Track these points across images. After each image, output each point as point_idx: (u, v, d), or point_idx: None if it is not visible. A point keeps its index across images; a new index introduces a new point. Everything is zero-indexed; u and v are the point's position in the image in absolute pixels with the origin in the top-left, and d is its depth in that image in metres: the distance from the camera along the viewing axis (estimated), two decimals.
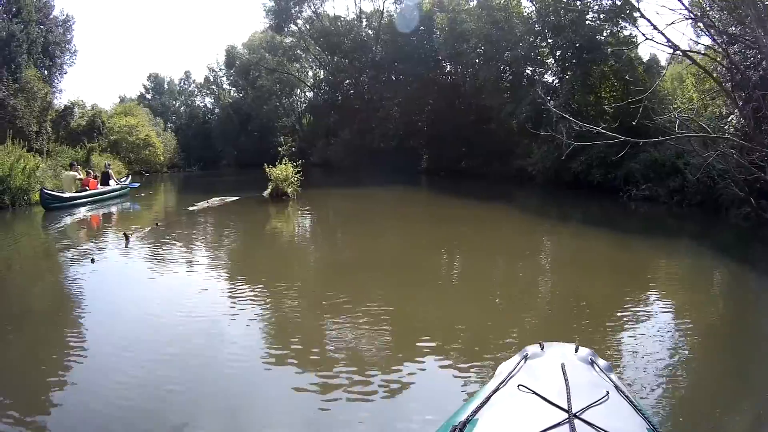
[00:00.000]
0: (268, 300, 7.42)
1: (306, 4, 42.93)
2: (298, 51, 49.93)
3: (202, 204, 18.75)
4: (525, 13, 28.39)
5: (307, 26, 45.19)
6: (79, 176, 20.82)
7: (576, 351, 2.50)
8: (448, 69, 37.74)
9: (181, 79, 66.78)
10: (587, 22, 24.73)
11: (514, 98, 27.28)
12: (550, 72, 28.20)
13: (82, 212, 18.59)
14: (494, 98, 28.63)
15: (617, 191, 19.26)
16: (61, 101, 41.19)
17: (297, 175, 19.86)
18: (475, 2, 31.13)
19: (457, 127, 33.50)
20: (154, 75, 66.17)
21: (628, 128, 10.56)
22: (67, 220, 16.86)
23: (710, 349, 5.81)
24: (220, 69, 60.34)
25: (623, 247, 11.54)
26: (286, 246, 12.73)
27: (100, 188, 21.47)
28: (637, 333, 6.00)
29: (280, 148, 21.51)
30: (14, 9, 35.26)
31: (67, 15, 42.45)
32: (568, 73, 23.76)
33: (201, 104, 65.89)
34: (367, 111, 41.36)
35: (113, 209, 19.88)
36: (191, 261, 10.26)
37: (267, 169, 19.55)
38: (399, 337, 6.00)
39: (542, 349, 2.55)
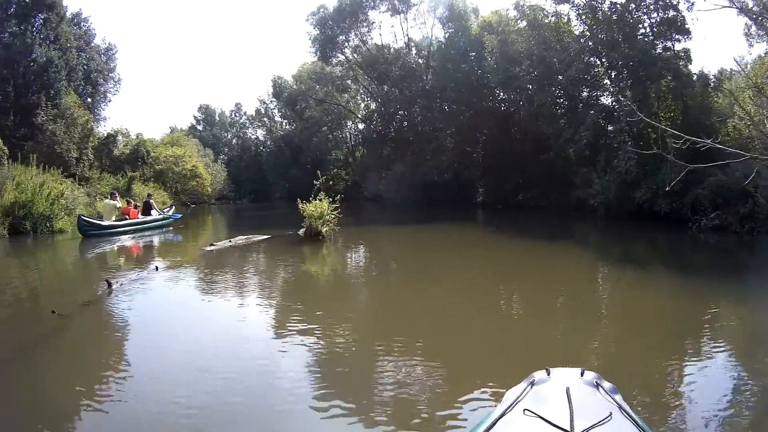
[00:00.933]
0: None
1: (353, 33, 43.11)
2: (348, 81, 50.18)
3: (223, 243, 15.98)
4: (575, 32, 27.40)
5: (355, 55, 45.43)
6: (118, 205, 20.67)
7: (582, 375, 2.59)
8: (501, 95, 36.69)
9: (232, 111, 68.04)
10: (639, 37, 23.83)
11: (571, 123, 26.26)
12: (606, 93, 26.80)
13: (122, 241, 18.23)
14: (551, 124, 27.70)
15: (685, 221, 18.02)
16: (105, 129, 42.64)
17: (334, 212, 16.72)
18: (524, 23, 30.34)
19: (513, 156, 32.55)
20: (205, 106, 67.86)
21: (691, 150, 9.06)
22: (105, 247, 16.68)
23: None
24: (271, 101, 61.39)
25: (689, 291, 9.90)
26: (306, 296, 9.98)
27: (141, 218, 21.13)
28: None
29: (316, 182, 19.76)
30: (52, 36, 36.51)
31: (109, 44, 44.60)
32: (627, 92, 22.88)
33: (252, 136, 66.50)
34: (419, 142, 40.84)
35: (155, 239, 19.49)
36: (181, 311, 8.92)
37: (300, 206, 16.56)
38: (449, 382, 5.45)
39: (548, 374, 2.62)
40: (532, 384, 2.54)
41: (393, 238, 20.64)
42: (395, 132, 45.85)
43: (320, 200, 16.61)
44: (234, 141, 66.95)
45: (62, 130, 33.75)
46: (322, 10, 42.39)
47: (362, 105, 53.77)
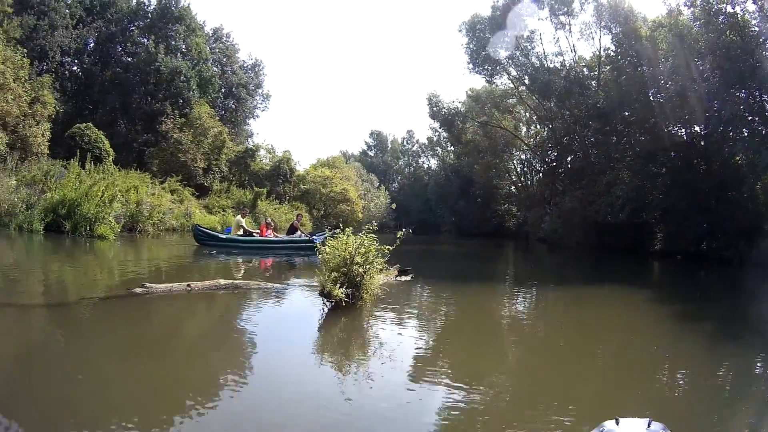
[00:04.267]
0: None
1: (509, 40, 37.03)
2: (512, 101, 44.23)
3: (167, 287, 9.05)
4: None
5: (513, 69, 39.86)
6: (242, 222, 20.47)
7: (648, 425, 2.74)
8: (680, 112, 28.47)
9: (404, 138, 66.78)
10: None
11: None
12: None
13: (245, 256, 17.68)
14: (747, 148, 21.45)
15: None
16: (254, 143, 43.77)
17: (378, 258, 8.93)
18: (697, 25, 24.06)
19: (696, 195, 25.66)
20: (377, 132, 67.01)
21: None
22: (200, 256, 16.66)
23: None
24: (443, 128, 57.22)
25: None
26: None
27: (272, 236, 20.64)
28: None
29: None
30: (183, 47, 37.89)
31: (255, 59, 45.74)
32: None
33: (425, 164, 64.74)
34: (592, 174, 34.88)
35: (297, 260, 18.30)
36: None
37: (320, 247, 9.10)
38: None
39: (617, 423, 2.78)
40: None
41: (526, 315, 10.86)
42: (561, 160, 40.01)
43: (361, 234, 8.92)
44: (406, 169, 65.59)
45: (189, 139, 34.25)
46: (475, 18, 37.66)
47: (531, 130, 47.52)
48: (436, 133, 58.87)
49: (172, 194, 29.90)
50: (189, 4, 39.17)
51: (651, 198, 30.69)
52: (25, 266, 12.37)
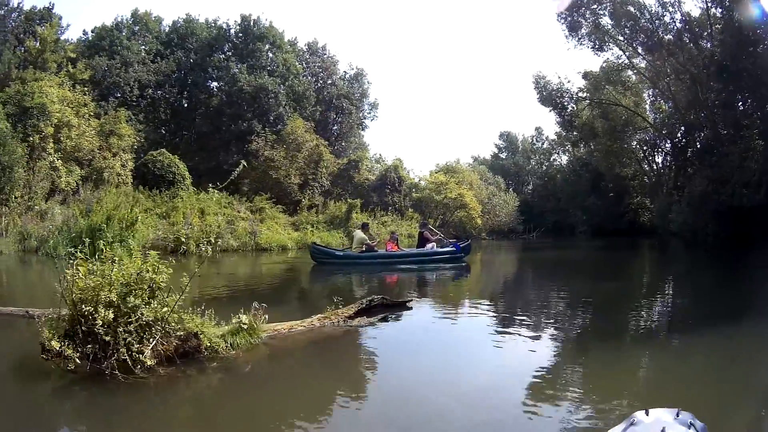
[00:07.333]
0: None
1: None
2: (630, 75, 38.11)
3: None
4: None
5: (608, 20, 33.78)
6: (365, 237, 19.28)
7: (677, 416, 2.81)
8: None
9: (532, 136, 62.37)
10: None
11: None
12: None
13: (367, 272, 16.86)
14: None
15: None
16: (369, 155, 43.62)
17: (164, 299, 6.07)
18: None
19: None
20: (506, 133, 63.43)
21: None
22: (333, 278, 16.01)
23: None
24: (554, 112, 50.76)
25: None
26: None
27: (398, 251, 19.47)
28: None
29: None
30: (269, 65, 38.62)
31: (357, 68, 44.93)
32: None
33: (556, 162, 59.73)
34: (720, 146, 28.25)
35: (432, 275, 16.92)
36: None
37: None
38: None
39: (647, 414, 2.83)
40: (632, 423, 2.75)
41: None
42: (696, 139, 33.22)
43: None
44: (537, 168, 60.95)
45: (281, 156, 33.78)
46: None
47: (653, 108, 40.61)
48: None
49: (258, 213, 29.64)
50: (271, 22, 39.66)
51: None
52: None
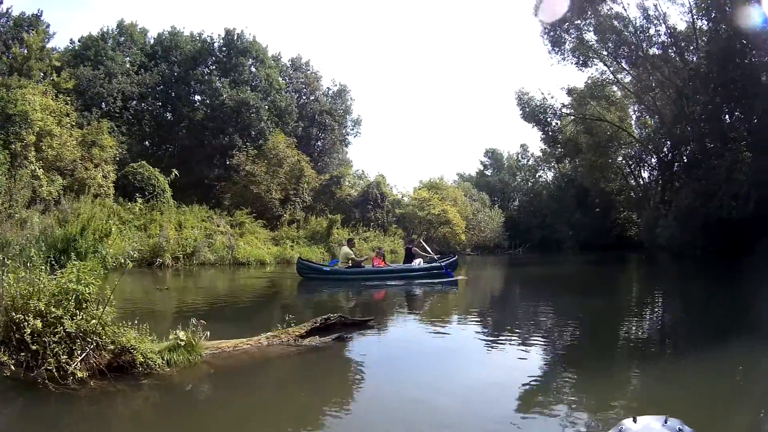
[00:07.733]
0: None
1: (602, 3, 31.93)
2: (613, 89, 38.34)
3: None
4: None
5: (591, 35, 34.28)
6: (350, 252, 19.16)
7: (665, 422, 2.71)
8: None
9: (518, 153, 62.72)
10: None
11: None
12: None
13: (354, 288, 16.68)
14: None
15: None
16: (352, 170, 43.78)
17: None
18: None
19: None
20: (491, 150, 63.68)
21: None
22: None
23: None
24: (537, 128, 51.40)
25: None
26: None
27: (384, 266, 19.34)
28: None
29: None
30: (251, 79, 38.33)
31: (340, 84, 45.11)
32: None
33: (542, 178, 60.31)
34: (706, 159, 28.40)
35: (419, 290, 16.94)
36: None
37: None
38: None
39: (635, 422, 2.75)
40: (620, 431, 2.70)
41: None
42: (683, 153, 33.36)
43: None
44: (524, 186, 61.44)
45: (263, 171, 33.58)
46: None
47: (639, 123, 41.25)
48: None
49: (239, 227, 29.61)
50: (255, 37, 39.42)
51: None
52: None
